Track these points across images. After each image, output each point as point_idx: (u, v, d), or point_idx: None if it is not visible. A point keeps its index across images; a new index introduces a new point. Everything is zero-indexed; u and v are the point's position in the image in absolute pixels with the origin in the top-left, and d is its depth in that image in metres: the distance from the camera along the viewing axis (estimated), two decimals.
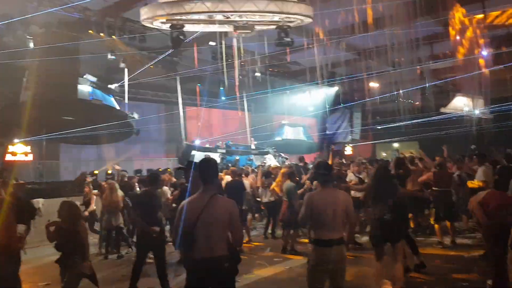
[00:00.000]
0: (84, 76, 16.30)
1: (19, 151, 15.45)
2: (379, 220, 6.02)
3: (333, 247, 4.69)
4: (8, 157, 15.14)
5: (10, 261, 5.18)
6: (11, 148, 15.28)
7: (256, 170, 14.80)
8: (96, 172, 15.06)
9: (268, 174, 12.13)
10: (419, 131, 22.97)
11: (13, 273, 5.28)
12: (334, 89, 25.23)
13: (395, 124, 22.92)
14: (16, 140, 15.34)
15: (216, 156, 19.02)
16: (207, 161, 4.23)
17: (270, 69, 21.36)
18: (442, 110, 23.51)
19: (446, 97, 24.52)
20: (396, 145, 29.70)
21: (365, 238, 9.40)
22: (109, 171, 15.15)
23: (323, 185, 5.07)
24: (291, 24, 14.08)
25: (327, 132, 26.81)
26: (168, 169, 15.63)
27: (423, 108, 24.22)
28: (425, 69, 21.00)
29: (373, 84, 24.23)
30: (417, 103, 25.16)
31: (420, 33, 17.04)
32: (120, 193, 10.51)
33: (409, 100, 24.53)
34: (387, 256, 6.13)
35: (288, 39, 14.28)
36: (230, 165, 17.06)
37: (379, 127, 26.65)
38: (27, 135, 15.23)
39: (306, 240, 9.56)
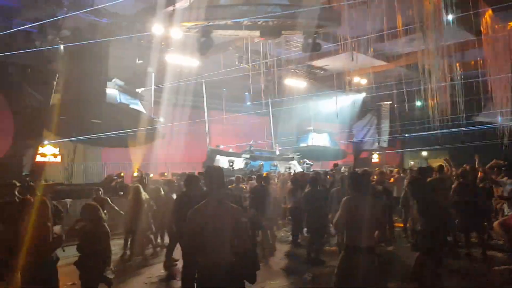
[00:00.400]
0: (113, 80, 16.54)
1: (49, 152, 15.76)
2: None
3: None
4: (38, 159, 15.45)
5: (44, 262, 5.18)
6: (41, 150, 15.59)
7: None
8: (122, 174, 15.23)
9: (296, 180, 11.88)
10: (449, 139, 22.47)
11: (49, 274, 5.26)
12: (362, 95, 24.97)
13: (424, 133, 22.50)
14: (46, 142, 15.65)
15: (240, 161, 19.06)
16: (213, 169, 4.27)
17: (297, 74, 21.26)
18: (474, 119, 22.98)
19: (477, 105, 23.94)
20: (424, 153, 29.13)
21: None
22: (135, 174, 15.31)
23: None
24: (318, 30, 14.02)
25: (354, 139, 26.53)
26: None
27: (454, 117, 23.70)
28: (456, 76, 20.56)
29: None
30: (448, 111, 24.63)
31: (451, 40, 16.69)
32: (144, 195, 10.56)
33: (439, 109, 24.04)
34: None
35: (315, 45, 14.21)
36: (253, 170, 17.01)
37: (407, 135, 26.23)
38: (57, 137, 15.53)
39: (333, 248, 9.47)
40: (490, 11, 16.07)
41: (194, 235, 3.91)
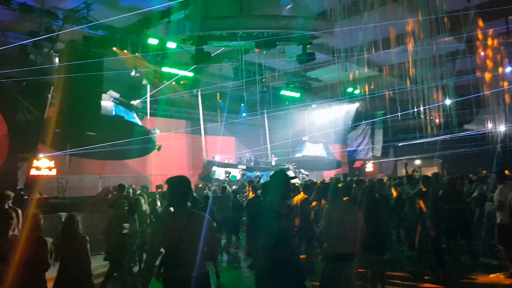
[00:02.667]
0: (108, 93, 16.52)
1: (43, 165, 15.66)
2: None
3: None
4: (33, 172, 15.35)
5: (39, 277, 5.17)
6: (35, 163, 15.49)
7: None
8: None
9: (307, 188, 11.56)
10: (441, 148, 22.62)
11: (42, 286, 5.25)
12: (355, 105, 25.14)
13: (416, 141, 22.69)
14: (40, 155, 15.56)
15: (236, 172, 19.04)
16: (179, 180, 4.14)
17: (291, 85, 21.35)
18: (466, 127, 23.19)
19: (469, 114, 24.18)
20: (418, 162, 29.29)
21: None
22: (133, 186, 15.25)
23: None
24: (312, 41, 14.15)
25: (348, 148, 26.65)
26: None
27: (446, 125, 23.91)
28: (447, 85, 20.80)
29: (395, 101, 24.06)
30: (440, 120, 24.86)
31: (442, 50, 16.90)
32: (145, 207, 10.52)
33: (431, 117, 24.26)
34: None
35: (310, 56, 14.34)
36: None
37: (400, 144, 26.40)
38: (52, 150, 15.46)
39: None
40: (480, 21, 16.31)
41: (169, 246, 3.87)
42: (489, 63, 18.42)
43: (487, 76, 18.23)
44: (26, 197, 11.55)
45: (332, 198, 5.42)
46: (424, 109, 21.51)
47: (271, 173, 16.00)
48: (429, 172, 19.56)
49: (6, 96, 13.96)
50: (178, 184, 4.07)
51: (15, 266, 4.86)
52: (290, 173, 20.64)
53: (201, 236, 3.86)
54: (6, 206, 6.69)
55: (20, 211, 6.79)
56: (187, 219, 3.89)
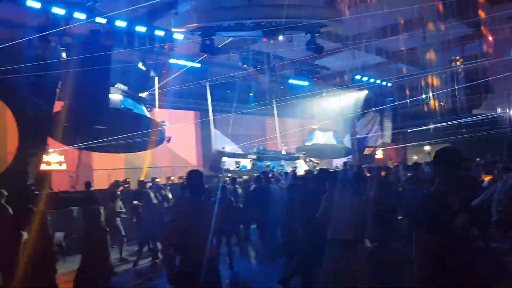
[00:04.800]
0: (115, 85, 16.47)
1: (54, 160, 15.70)
2: None
3: None
4: (43, 167, 15.38)
5: (46, 270, 5.21)
6: (45, 158, 15.52)
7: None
8: (129, 180, 15.18)
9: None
10: (450, 133, 22.50)
11: (49, 282, 5.29)
12: (364, 93, 24.99)
13: (425, 127, 22.58)
14: (50, 150, 15.58)
15: (247, 162, 19.02)
16: (193, 173, 4.81)
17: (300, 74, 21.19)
18: (474, 112, 23.01)
19: (478, 99, 23.98)
20: (427, 148, 29.18)
21: None
22: (141, 179, 15.30)
23: None
24: (321, 29, 14.00)
25: (358, 136, 26.55)
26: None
27: (455, 110, 23.74)
28: (456, 70, 20.61)
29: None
30: (449, 105, 24.69)
31: (450, 35, 16.71)
32: (155, 201, 10.56)
33: (440, 103, 24.08)
34: None
35: (318, 44, 14.21)
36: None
37: (409, 130, 26.27)
38: (61, 145, 15.48)
39: None
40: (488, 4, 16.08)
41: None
42: (497, 47, 18.17)
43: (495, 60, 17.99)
44: (37, 192, 11.62)
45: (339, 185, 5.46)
46: (432, 95, 21.40)
47: (281, 162, 16.10)
48: None
49: (15, 91, 13.94)
50: (194, 177, 4.73)
51: (23, 262, 4.94)
52: (300, 162, 20.63)
53: (211, 221, 4.43)
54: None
55: (11, 210, 6.84)
56: (200, 206, 4.55)
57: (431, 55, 17.76)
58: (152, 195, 10.62)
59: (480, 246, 8.86)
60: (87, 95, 14.40)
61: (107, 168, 18.28)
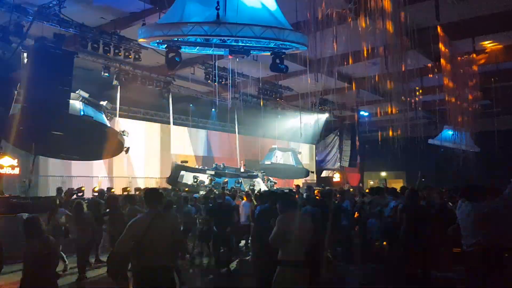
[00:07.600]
0: (76, 92, 16.19)
1: (6, 164, 15.20)
2: None
3: None
4: None
5: None
6: None
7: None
8: (83, 188, 14.88)
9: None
10: (406, 162, 23.11)
11: None
12: (325, 115, 25.46)
13: (383, 154, 23.11)
14: (2, 153, 15.08)
15: (204, 177, 18.95)
16: (151, 191, 5.30)
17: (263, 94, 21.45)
18: (430, 141, 23.75)
19: (434, 129, 24.83)
20: (383, 174, 29.90)
21: None
22: (96, 188, 15.03)
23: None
24: (286, 51, 14.27)
25: (317, 158, 26.93)
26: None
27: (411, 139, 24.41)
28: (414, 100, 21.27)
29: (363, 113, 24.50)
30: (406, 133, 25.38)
31: (411, 65, 17.30)
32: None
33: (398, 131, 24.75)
34: None
35: (283, 66, 14.47)
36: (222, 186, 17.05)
37: (367, 156, 26.84)
38: (15, 149, 15.06)
39: None
40: (447, 39, 16.82)
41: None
42: (456, 81, 18.93)
43: (453, 94, 18.74)
44: None
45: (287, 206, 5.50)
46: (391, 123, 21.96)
47: (239, 180, 16.15)
48: (395, 184, 19.95)
49: None
50: (150, 194, 5.15)
51: None
52: (259, 181, 20.71)
53: (167, 231, 4.82)
54: None
55: None
56: (156, 218, 4.80)
57: (391, 84, 18.29)
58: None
59: None
60: (46, 100, 14.07)
61: (62, 175, 17.88)
